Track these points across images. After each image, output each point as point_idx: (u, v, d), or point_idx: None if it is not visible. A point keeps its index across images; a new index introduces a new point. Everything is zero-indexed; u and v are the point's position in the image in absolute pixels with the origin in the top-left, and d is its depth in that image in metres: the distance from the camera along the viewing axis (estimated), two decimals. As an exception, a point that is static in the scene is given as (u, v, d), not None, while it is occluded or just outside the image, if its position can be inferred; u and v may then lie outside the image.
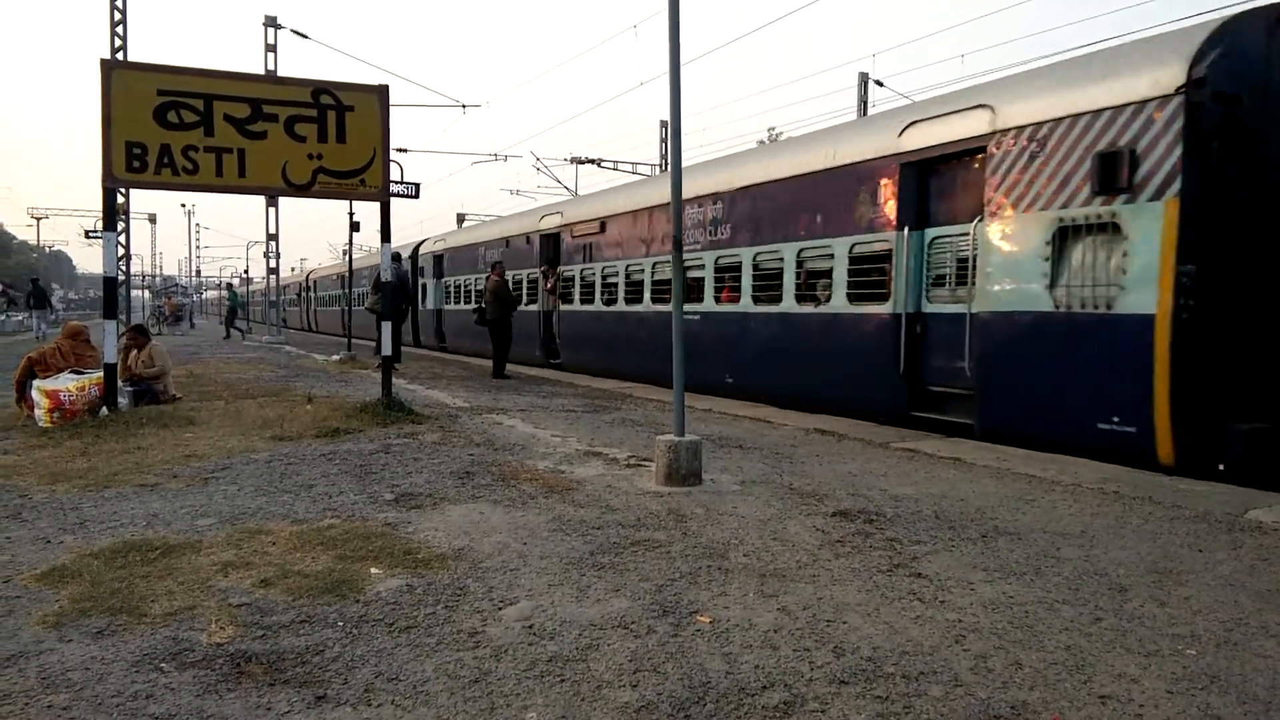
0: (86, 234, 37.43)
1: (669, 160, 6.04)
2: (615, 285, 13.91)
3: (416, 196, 19.50)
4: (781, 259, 10.14)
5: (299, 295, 46.75)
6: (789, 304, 10.02)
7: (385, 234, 9.19)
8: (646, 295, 12.95)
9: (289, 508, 4.92)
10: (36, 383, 8.19)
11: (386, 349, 9.41)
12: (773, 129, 42.55)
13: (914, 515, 4.92)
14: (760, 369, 10.59)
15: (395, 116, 8.99)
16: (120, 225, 21.61)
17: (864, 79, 25.17)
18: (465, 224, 33.19)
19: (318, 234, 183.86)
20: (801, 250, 9.88)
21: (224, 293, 43.27)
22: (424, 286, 24.16)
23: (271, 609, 3.34)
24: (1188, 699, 2.67)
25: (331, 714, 2.55)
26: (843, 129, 10.08)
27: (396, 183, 17.31)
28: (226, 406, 9.23)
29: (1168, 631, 3.21)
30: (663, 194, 12.24)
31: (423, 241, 25.63)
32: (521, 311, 16.77)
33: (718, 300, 11.39)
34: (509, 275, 16.82)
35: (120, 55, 19.59)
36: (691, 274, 11.67)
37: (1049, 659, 2.96)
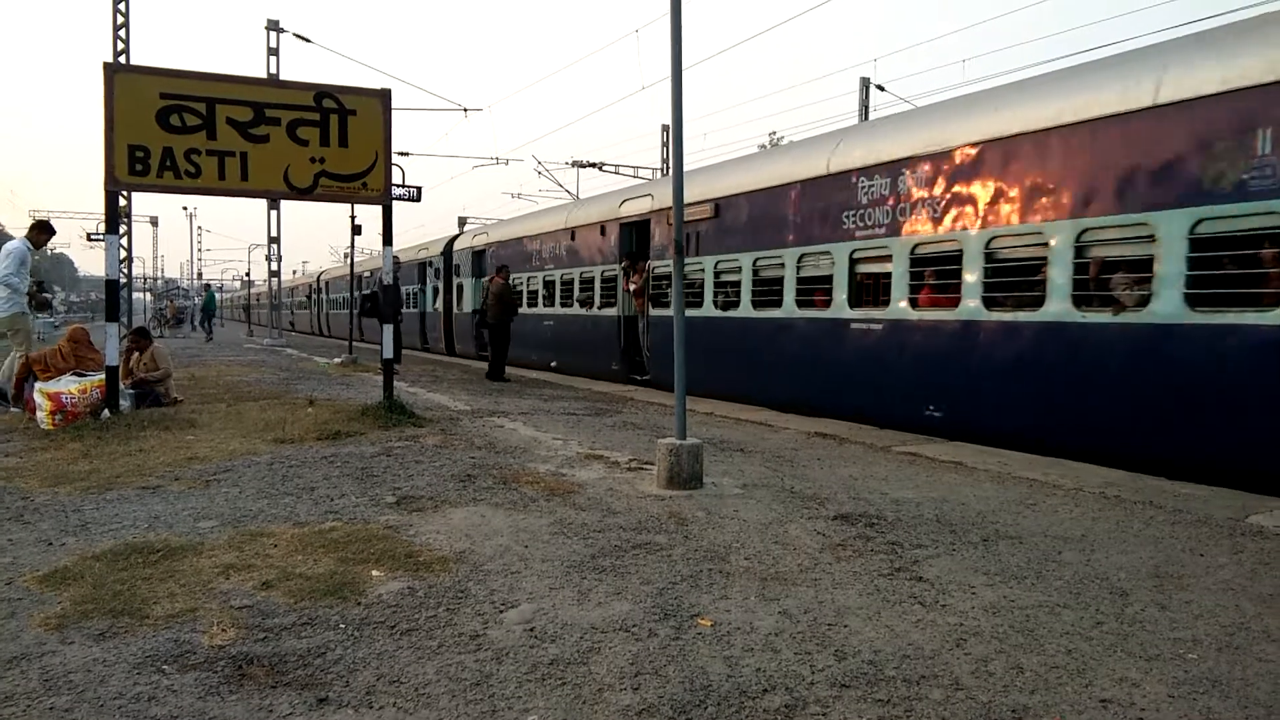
0: (89, 237, 37.42)
1: (671, 165, 6.05)
2: (737, 284, 11.06)
3: (418, 200, 19.49)
4: (1045, 244, 7.28)
5: (309, 297, 44.19)
6: (1060, 308, 7.10)
7: (387, 237, 9.22)
8: (788, 297, 10.11)
9: (290, 510, 4.93)
10: (39, 385, 8.20)
11: (388, 351, 9.43)
12: (774, 133, 42.65)
13: (915, 519, 4.92)
14: (994, 401, 7.78)
15: (397, 120, 8.98)
16: (122, 228, 21.64)
17: (865, 84, 25.20)
18: (468, 225, 33.11)
19: (320, 237, 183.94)
20: (1084, 232, 6.98)
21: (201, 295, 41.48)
22: (459, 287, 21.69)
23: (273, 611, 3.35)
24: (1189, 703, 2.67)
25: (333, 716, 2.56)
26: (1172, 48, 6.87)
27: (398, 186, 17.31)
28: (228, 409, 9.24)
29: (1169, 635, 3.21)
30: (814, 165, 9.91)
31: (457, 236, 23.46)
32: (595, 317, 14.65)
33: (914, 304, 8.54)
34: (575, 273, 15.42)
35: (123, 59, 19.63)
36: (864, 268, 9.21)
37: (1050, 663, 2.96)
